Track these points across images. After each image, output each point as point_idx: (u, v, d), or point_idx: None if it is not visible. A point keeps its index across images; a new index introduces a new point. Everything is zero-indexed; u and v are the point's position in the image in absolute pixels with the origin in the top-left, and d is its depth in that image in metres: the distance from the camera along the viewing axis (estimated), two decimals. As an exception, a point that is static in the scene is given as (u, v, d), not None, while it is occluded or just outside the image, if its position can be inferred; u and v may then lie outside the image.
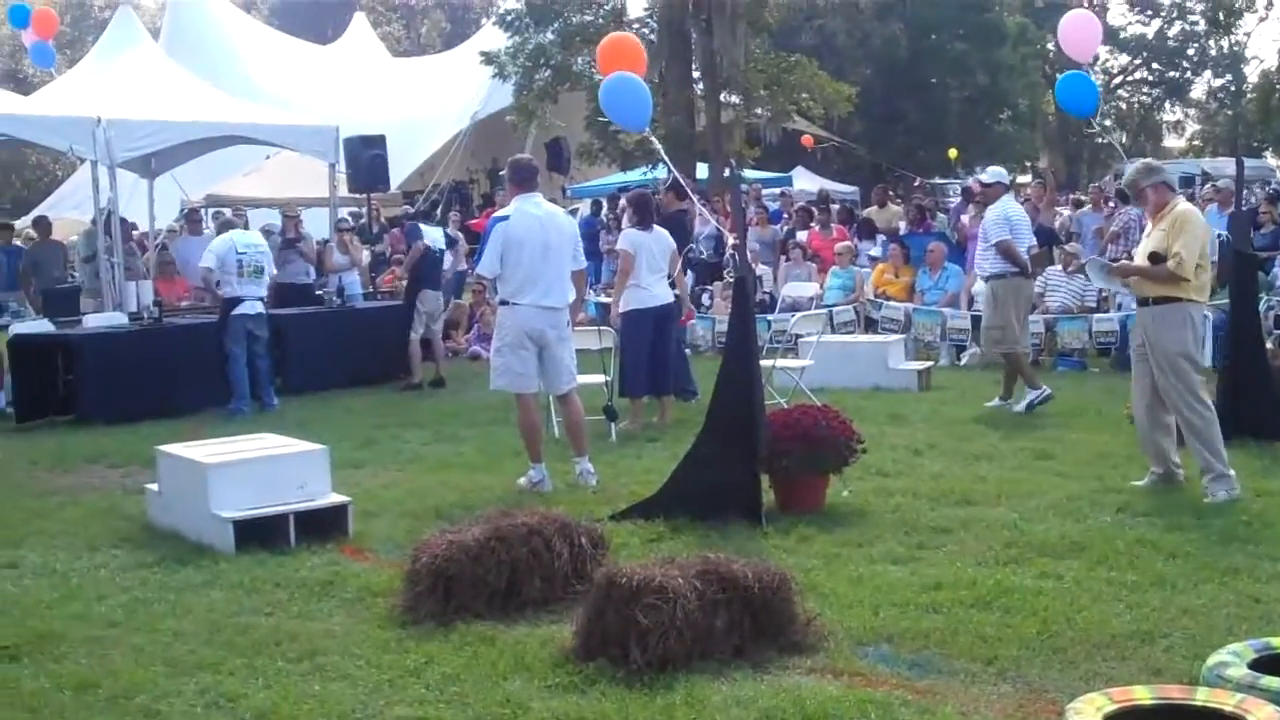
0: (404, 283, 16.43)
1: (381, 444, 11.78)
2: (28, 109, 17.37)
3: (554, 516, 7.07)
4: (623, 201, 15.99)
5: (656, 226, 12.55)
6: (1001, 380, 12.92)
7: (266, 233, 18.87)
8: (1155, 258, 8.76)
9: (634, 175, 31.51)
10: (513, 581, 6.65)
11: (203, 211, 23.18)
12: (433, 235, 16.07)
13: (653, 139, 11.70)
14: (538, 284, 9.49)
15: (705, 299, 19.23)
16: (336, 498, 8.41)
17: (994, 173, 13.61)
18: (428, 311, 15.78)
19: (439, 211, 28.39)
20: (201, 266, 14.24)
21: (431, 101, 35.57)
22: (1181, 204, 8.95)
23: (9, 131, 16.50)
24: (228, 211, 22.07)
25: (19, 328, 14.82)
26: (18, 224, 24.64)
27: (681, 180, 14.33)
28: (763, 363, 9.99)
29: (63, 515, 9.18)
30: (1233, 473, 8.72)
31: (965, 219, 19.91)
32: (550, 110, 31.59)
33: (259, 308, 14.13)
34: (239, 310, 13.89)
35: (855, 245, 19.45)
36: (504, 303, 9.65)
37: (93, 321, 14.91)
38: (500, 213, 9.96)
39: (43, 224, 19.65)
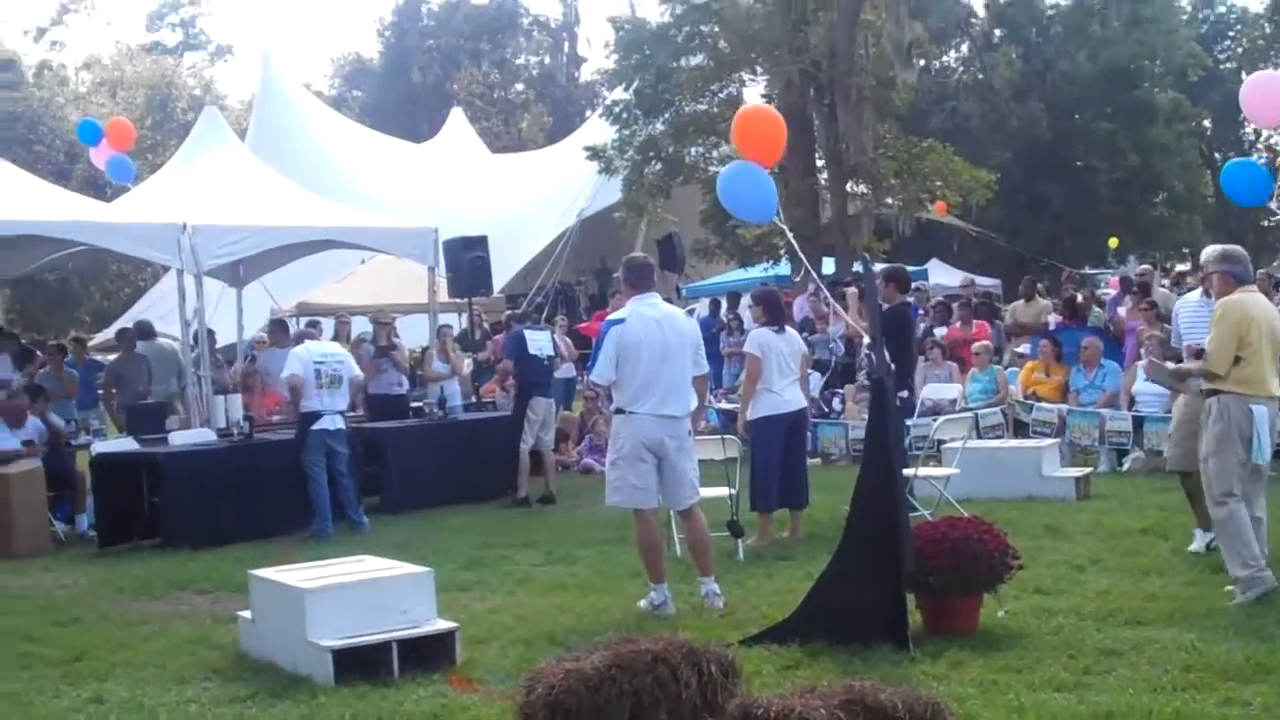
0: (510, 392, 16.54)
1: (489, 565, 11.81)
2: (109, 216, 17.75)
3: (680, 642, 6.98)
4: (746, 299, 16.01)
5: (788, 328, 12.62)
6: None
7: (360, 341, 19.16)
8: (1202, 353, 9.38)
9: (755, 272, 31.55)
10: (636, 713, 6.56)
11: (291, 321, 23.52)
12: (539, 341, 16.17)
13: (782, 225, 11.71)
14: (656, 390, 9.51)
15: (836, 403, 19.14)
16: (442, 624, 8.40)
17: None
18: (539, 420, 15.86)
19: (543, 315, 28.61)
20: (286, 374, 14.41)
21: (535, 199, 36.02)
22: (1234, 294, 9.21)
23: (90, 240, 16.80)
24: (326, 321, 22.46)
25: (101, 446, 15.09)
26: (98, 337, 25.18)
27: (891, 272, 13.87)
28: (903, 472, 9.88)
29: (150, 646, 9.27)
30: (1267, 573, 8.99)
31: (1123, 311, 19.69)
32: (661, 205, 31.83)
33: (339, 422, 14.33)
34: (319, 425, 14.10)
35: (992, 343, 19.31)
36: (619, 411, 9.69)
37: (179, 439, 15.15)
38: (615, 315, 10.03)
39: (126, 336, 20.02)
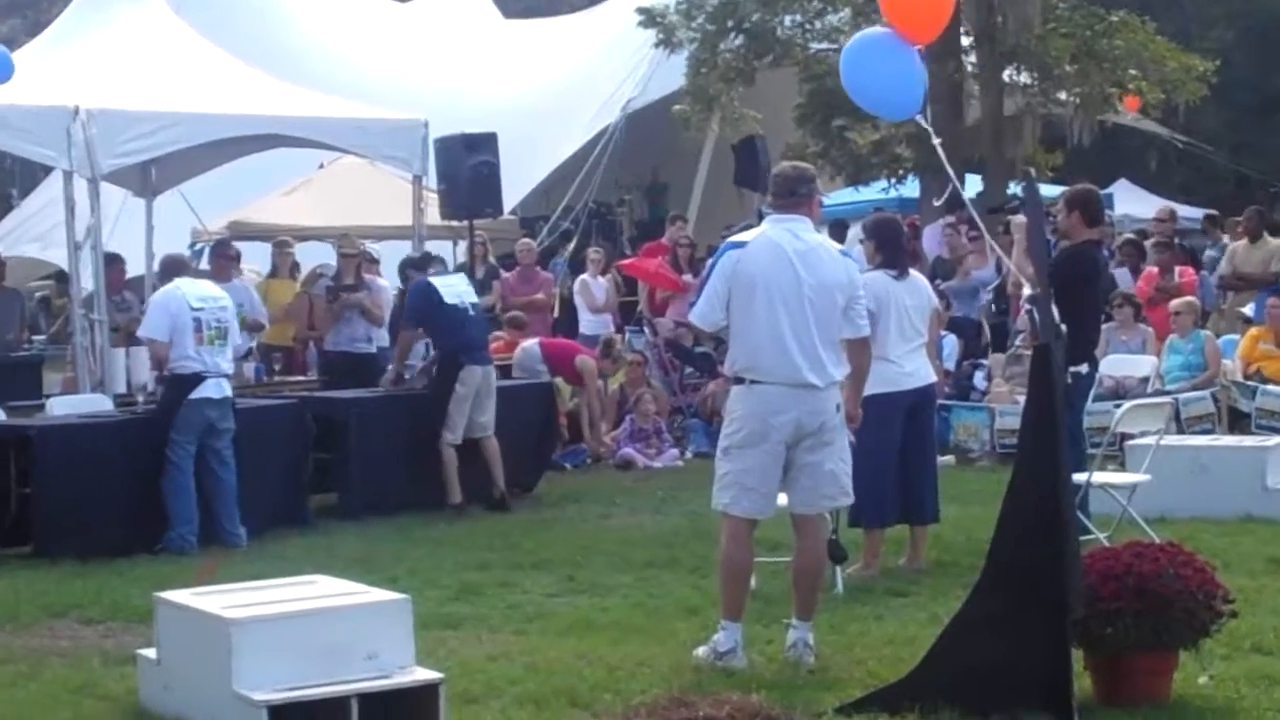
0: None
1: (487, 593, 11.86)
2: (-29, 96, 17.80)
3: (753, 707, 7.02)
4: (856, 231, 15.91)
5: (913, 271, 12.59)
6: None
7: (316, 276, 19.17)
8: None
9: (870, 193, 31.40)
10: (690, 804, 6.60)
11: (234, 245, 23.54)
12: (454, 289, 16.25)
13: (927, 125, 11.59)
14: (787, 350, 9.50)
15: (979, 378, 19.08)
16: (422, 674, 8.42)
17: None
18: (470, 394, 15.84)
19: (571, 245, 28.60)
20: (146, 333, 14.43)
21: (564, 85, 35.90)
22: None
23: (-53, 129, 16.88)
24: (256, 247, 22.38)
25: (-46, 416, 15.12)
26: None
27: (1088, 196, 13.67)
28: (1074, 477, 9.85)
29: (15, 695, 9.31)
30: None
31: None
32: (741, 97, 31.67)
33: (225, 388, 14.38)
34: (198, 393, 14.11)
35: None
36: (738, 380, 9.73)
37: (62, 407, 15.18)
38: (737, 237, 10.03)
39: (-9, 263, 20.13)
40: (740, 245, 9.68)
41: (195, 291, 14.49)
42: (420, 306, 16.29)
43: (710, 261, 9.94)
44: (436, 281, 16.25)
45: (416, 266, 17.23)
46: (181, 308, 14.13)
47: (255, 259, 24.12)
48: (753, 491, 9.56)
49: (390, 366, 16.93)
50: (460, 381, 15.77)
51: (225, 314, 14.46)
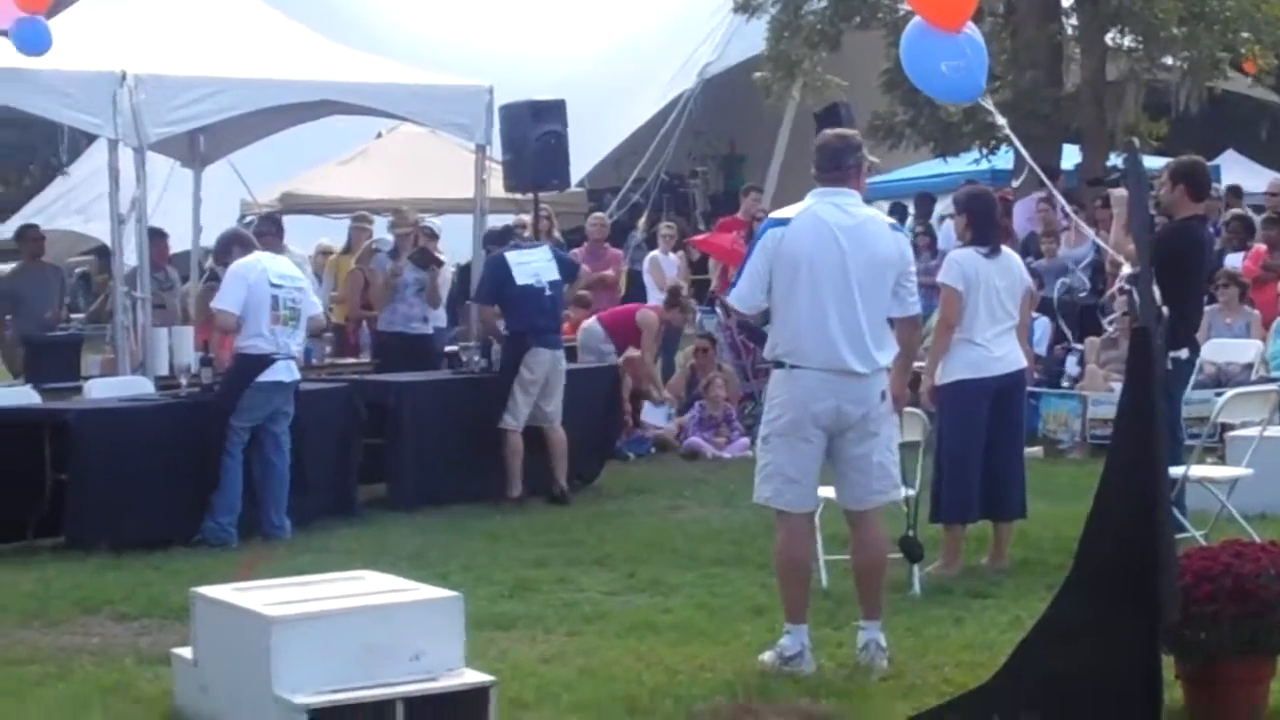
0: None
1: (542, 591, 11.87)
2: (12, 60, 17.79)
3: (823, 715, 6.98)
4: (945, 205, 15.80)
5: (1006, 249, 12.50)
6: None
7: (371, 251, 19.16)
8: None
9: (961, 164, 31.21)
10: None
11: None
12: (530, 265, 16.15)
13: (989, 106, 11.53)
14: (828, 333, 9.45)
15: (1071, 364, 18.96)
16: (472, 676, 8.40)
17: None
18: (539, 381, 15.83)
19: (642, 219, 28.53)
20: (220, 305, 14.36)
21: (636, 50, 35.82)
22: None
23: (-17, 94, 16.93)
24: (325, 223, 22.38)
25: (-13, 399, 15.18)
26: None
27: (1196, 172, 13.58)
28: (1171, 470, 9.77)
29: (43, 694, 9.35)
30: None
31: None
32: (824, 63, 31.51)
33: (294, 371, 14.43)
34: (269, 375, 14.13)
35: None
36: (778, 365, 9.68)
37: (100, 390, 15.22)
38: (779, 213, 9.98)
39: (30, 238, 20.14)
40: (783, 222, 9.60)
41: (276, 268, 14.51)
42: (491, 285, 16.37)
43: (754, 238, 9.89)
44: (511, 258, 16.17)
45: (495, 241, 17.31)
46: (261, 282, 14.15)
47: (309, 232, 24.23)
48: (795, 484, 9.53)
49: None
50: (526, 365, 15.76)
51: (301, 295, 14.50)
